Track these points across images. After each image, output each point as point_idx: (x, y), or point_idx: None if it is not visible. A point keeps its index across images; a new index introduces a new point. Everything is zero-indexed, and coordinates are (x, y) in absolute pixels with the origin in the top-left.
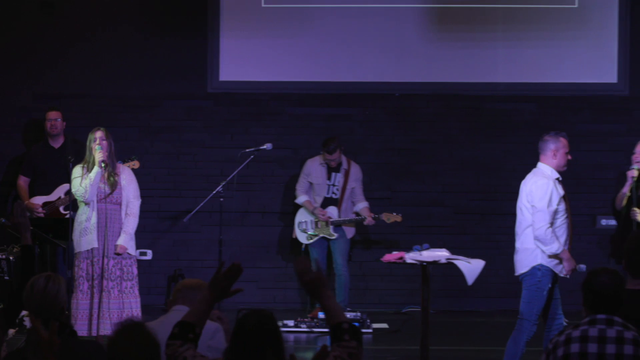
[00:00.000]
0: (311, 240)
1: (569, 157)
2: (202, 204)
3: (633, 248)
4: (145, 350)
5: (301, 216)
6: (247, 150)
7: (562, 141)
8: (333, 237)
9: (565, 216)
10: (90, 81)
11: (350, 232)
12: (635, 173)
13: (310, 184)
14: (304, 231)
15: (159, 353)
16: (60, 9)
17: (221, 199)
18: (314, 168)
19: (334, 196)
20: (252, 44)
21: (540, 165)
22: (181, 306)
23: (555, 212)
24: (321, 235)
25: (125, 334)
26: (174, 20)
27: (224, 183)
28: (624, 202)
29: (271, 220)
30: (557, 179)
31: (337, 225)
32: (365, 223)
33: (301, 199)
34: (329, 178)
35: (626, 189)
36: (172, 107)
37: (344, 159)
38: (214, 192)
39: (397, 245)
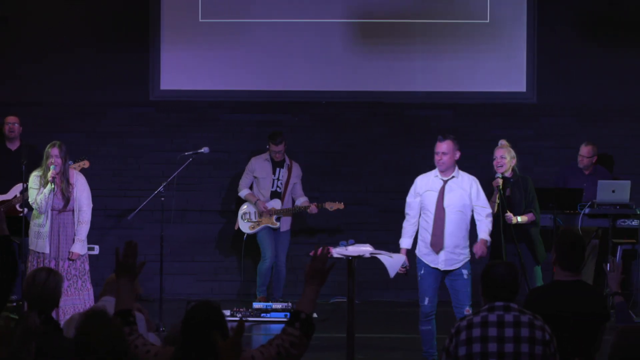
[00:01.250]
0: (254, 230)
1: (436, 157)
2: (144, 203)
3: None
4: (111, 337)
5: (246, 207)
6: (186, 153)
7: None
8: (276, 226)
9: (429, 212)
10: (43, 90)
11: (286, 224)
12: (499, 182)
13: (255, 178)
14: (248, 220)
15: (124, 338)
16: (14, 24)
17: (162, 198)
18: (258, 164)
19: (278, 190)
20: (190, 56)
21: None
22: (109, 297)
23: (421, 205)
24: (264, 224)
25: (91, 323)
26: (119, 35)
27: (165, 184)
28: (496, 209)
29: (208, 217)
30: (436, 176)
31: (279, 216)
32: (309, 211)
33: (243, 192)
34: (273, 173)
35: (495, 197)
36: (118, 113)
37: (286, 157)
38: (156, 192)
39: (324, 241)
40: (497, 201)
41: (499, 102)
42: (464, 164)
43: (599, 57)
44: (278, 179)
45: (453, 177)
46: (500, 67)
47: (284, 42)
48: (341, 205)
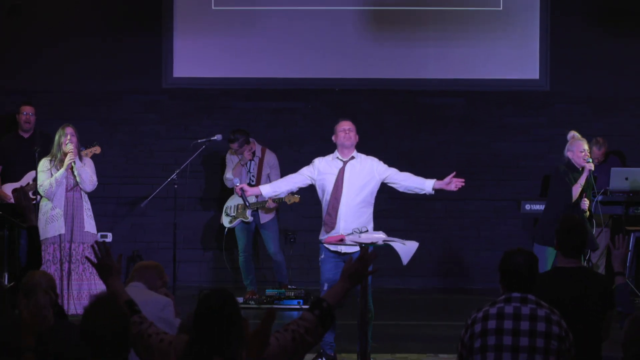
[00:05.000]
0: (231, 225)
1: (342, 134)
2: (157, 190)
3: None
4: (115, 320)
5: (229, 202)
6: (199, 141)
7: (337, 125)
8: (247, 220)
9: (326, 194)
10: (55, 79)
11: (266, 216)
12: (592, 167)
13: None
14: (227, 215)
15: (128, 323)
16: (28, 14)
17: (175, 186)
18: (232, 159)
19: (251, 183)
20: (203, 44)
21: None
22: (137, 282)
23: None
24: (239, 219)
25: (97, 307)
26: (131, 23)
27: (178, 171)
28: (579, 194)
29: (221, 205)
30: (337, 157)
31: (254, 210)
32: (266, 205)
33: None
34: (246, 167)
35: (583, 180)
36: (130, 101)
37: (258, 148)
38: (169, 179)
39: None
40: (584, 185)
41: (512, 90)
42: (477, 151)
43: (612, 45)
44: (249, 172)
45: (353, 157)
46: (513, 55)
47: (297, 29)
48: (297, 199)
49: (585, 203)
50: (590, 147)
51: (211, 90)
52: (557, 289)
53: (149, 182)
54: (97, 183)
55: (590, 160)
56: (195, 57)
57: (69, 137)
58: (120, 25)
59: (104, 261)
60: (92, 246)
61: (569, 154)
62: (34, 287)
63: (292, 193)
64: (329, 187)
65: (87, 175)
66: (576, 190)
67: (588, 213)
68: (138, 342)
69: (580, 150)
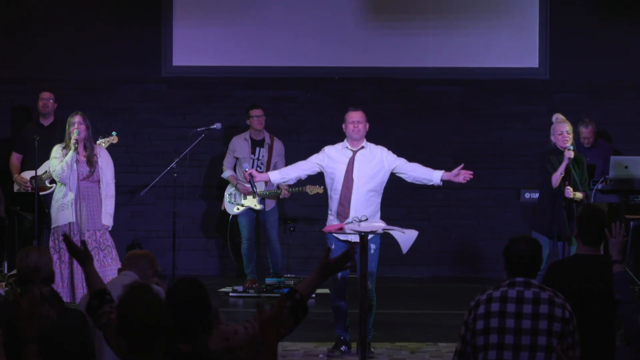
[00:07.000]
0: (238, 211)
1: (351, 126)
2: (157, 179)
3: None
4: (152, 309)
5: (231, 188)
6: (199, 129)
7: (347, 114)
8: (257, 208)
9: (336, 183)
10: (54, 67)
11: (271, 203)
12: (572, 154)
13: (237, 159)
14: (233, 202)
15: (165, 312)
16: (26, 2)
17: (175, 175)
18: (238, 143)
19: (259, 170)
20: (202, 32)
21: None
22: (129, 272)
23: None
24: (247, 206)
25: (134, 295)
26: (130, 10)
27: (177, 160)
28: (559, 183)
29: (220, 194)
30: (347, 147)
31: (262, 198)
32: (281, 196)
33: (226, 174)
34: (253, 152)
35: (562, 169)
36: (129, 90)
37: (266, 135)
38: (168, 168)
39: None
40: (564, 174)
41: (511, 78)
42: (476, 139)
43: (612, 33)
44: (258, 159)
45: (362, 147)
46: (512, 43)
47: (296, 17)
48: (320, 190)
49: (569, 191)
50: (578, 129)
51: (210, 78)
52: (575, 276)
53: (148, 170)
54: (114, 181)
55: (572, 148)
56: (194, 46)
57: (75, 125)
58: (119, 13)
59: (73, 250)
60: (63, 237)
61: (552, 138)
62: (30, 276)
63: (314, 183)
64: (340, 176)
65: (109, 177)
66: (555, 178)
67: (578, 200)
68: (107, 331)
69: (558, 132)
